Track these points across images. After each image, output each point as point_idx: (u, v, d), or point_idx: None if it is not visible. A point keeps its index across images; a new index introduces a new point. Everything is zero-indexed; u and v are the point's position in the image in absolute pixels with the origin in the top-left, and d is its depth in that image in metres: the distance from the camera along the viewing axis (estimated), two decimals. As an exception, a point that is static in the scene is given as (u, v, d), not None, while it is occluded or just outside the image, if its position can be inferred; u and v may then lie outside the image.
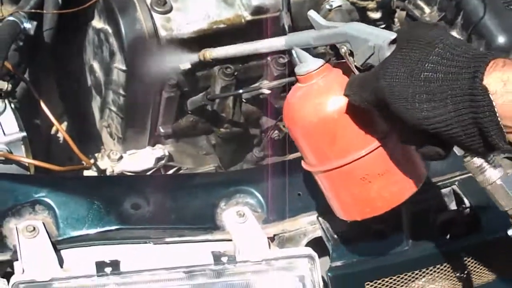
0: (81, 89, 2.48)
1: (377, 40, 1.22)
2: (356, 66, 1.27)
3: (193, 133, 2.36)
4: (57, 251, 1.44)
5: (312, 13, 1.39)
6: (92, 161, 2.11)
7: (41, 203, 1.49)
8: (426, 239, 1.66)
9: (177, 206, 1.57)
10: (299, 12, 2.24)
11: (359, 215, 1.42)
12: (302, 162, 1.46)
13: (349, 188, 1.38)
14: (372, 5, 2.35)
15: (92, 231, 1.49)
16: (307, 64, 1.37)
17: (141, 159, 2.16)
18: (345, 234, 1.59)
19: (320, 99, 1.33)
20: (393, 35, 1.20)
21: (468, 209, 1.73)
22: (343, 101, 1.31)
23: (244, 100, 2.32)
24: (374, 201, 1.37)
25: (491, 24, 2.20)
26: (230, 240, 1.52)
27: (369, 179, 1.34)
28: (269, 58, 2.28)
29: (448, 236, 1.71)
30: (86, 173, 2.11)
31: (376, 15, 2.38)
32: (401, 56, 1.16)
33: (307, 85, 1.37)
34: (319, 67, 1.36)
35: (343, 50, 1.28)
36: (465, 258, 1.71)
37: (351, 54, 1.28)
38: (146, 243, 1.50)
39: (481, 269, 1.74)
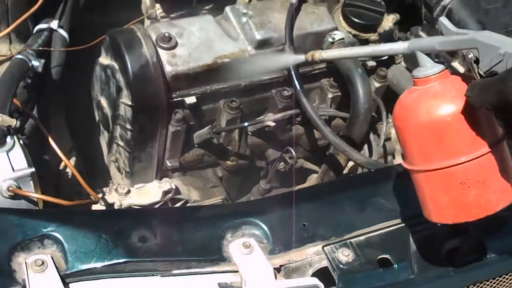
0: (90, 125, 2.51)
1: (508, 48, 1.26)
2: (479, 73, 1.31)
3: (200, 166, 2.39)
4: (65, 284, 1.44)
5: (442, 19, 1.43)
6: (100, 195, 2.13)
7: (50, 237, 1.50)
8: (433, 268, 1.66)
9: (184, 238, 1.58)
10: (302, 45, 2.28)
11: (452, 218, 1.44)
12: (402, 161, 1.50)
13: (447, 190, 1.40)
14: (374, 37, 2.38)
15: (100, 264, 1.49)
16: (427, 68, 1.41)
17: (148, 193, 2.18)
18: (351, 263, 1.59)
19: (435, 102, 1.37)
20: None
21: (473, 237, 1.73)
22: (457, 107, 1.35)
23: (249, 133, 2.35)
24: (469, 207, 1.40)
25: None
26: (237, 272, 1.53)
27: (468, 184, 1.37)
28: (273, 91, 2.31)
29: (455, 264, 1.71)
30: (95, 207, 2.12)
31: (378, 47, 2.40)
32: None
33: (423, 88, 1.40)
34: (438, 72, 1.40)
35: (470, 56, 1.32)
36: (471, 287, 1.71)
37: (476, 61, 1.31)
38: (154, 275, 1.50)
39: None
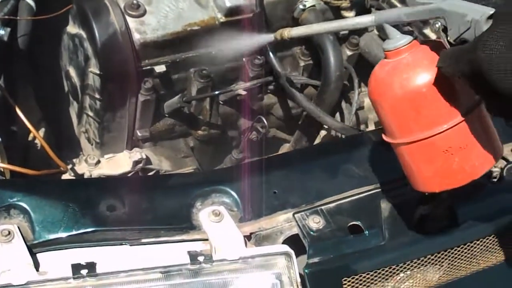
0: (59, 95, 2.47)
1: (474, 15, 1.25)
2: (448, 41, 1.31)
3: (171, 136, 2.37)
4: (33, 254, 1.43)
5: None
6: (70, 166, 2.11)
7: (16, 207, 1.48)
8: (403, 234, 1.67)
9: (153, 206, 1.56)
10: (272, 12, 2.25)
11: (438, 187, 1.45)
12: (383, 135, 1.50)
13: (431, 160, 1.41)
14: (345, 4, 2.36)
15: (68, 233, 1.48)
16: (396, 40, 1.41)
17: (118, 163, 2.16)
18: (322, 230, 1.59)
19: (408, 74, 1.37)
20: (491, 10, 1.24)
21: (444, 202, 1.73)
22: (430, 76, 1.35)
23: (221, 102, 2.33)
24: (454, 174, 1.41)
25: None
26: (207, 240, 1.52)
27: (451, 152, 1.38)
28: (244, 59, 2.29)
29: (426, 231, 1.71)
30: (65, 178, 2.10)
31: (350, 14, 2.39)
32: (500, 30, 1.19)
33: (395, 60, 1.41)
34: (408, 43, 1.40)
35: (437, 25, 1.32)
36: (442, 252, 1.71)
37: (444, 29, 1.31)
38: (122, 244, 1.49)
39: (459, 263, 1.75)
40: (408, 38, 1.40)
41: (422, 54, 1.39)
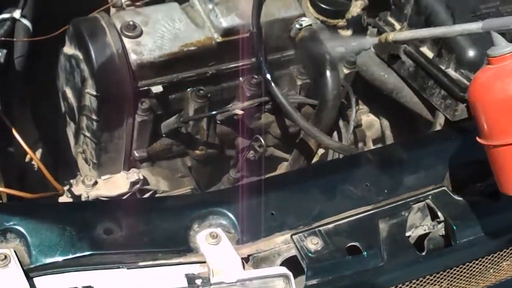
0: (56, 116, 2.47)
1: None
2: None
3: (168, 156, 2.36)
4: (29, 279, 1.42)
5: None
6: (67, 187, 2.10)
7: (12, 231, 1.48)
8: (402, 254, 1.66)
9: (150, 229, 1.56)
10: (269, 32, 2.25)
11: None
12: (478, 138, 1.53)
13: None
14: (342, 23, 2.37)
15: (65, 257, 1.47)
16: (501, 47, 1.46)
17: (116, 184, 2.15)
18: (320, 252, 1.58)
19: (510, 79, 1.44)
20: None
21: (442, 223, 1.72)
22: None
23: (218, 122, 2.33)
24: None
25: (460, 39, 2.21)
26: (204, 262, 1.51)
27: None
28: (241, 79, 2.29)
29: (424, 251, 1.71)
30: (62, 199, 2.09)
31: (347, 32, 2.40)
32: None
33: (498, 66, 1.47)
34: None
35: None
36: (441, 273, 1.70)
37: None
38: (120, 268, 1.48)
39: (458, 283, 1.74)
40: None
41: None
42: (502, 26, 1.50)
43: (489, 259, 1.76)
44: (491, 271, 1.79)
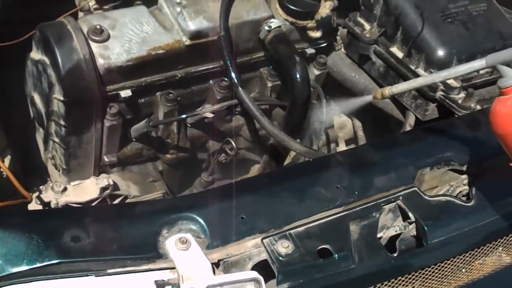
0: (24, 121, 2.44)
1: None
2: None
3: (139, 161, 2.35)
4: (-4, 288, 1.41)
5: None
6: (36, 194, 2.08)
7: (-22, 240, 1.46)
8: (373, 256, 1.65)
9: (119, 236, 1.54)
10: (238, 34, 2.24)
11: None
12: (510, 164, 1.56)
13: None
14: (311, 24, 2.36)
15: (31, 266, 1.45)
16: (511, 77, 1.50)
17: (85, 189, 2.14)
18: (291, 255, 1.57)
19: None
20: None
21: (414, 224, 1.72)
22: None
23: (188, 125, 2.32)
24: None
25: (429, 38, 2.22)
26: (174, 268, 1.50)
27: None
28: (211, 82, 2.28)
29: (396, 252, 1.70)
30: (31, 206, 2.07)
31: (317, 34, 2.39)
32: None
33: None
34: None
35: None
36: (413, 274, 1.70)
37: None
38: (88, 275, 1.46)
39: (430, 283, 1.74)
40: None
41: None
42: (505, 59, 1.53)
43: (461, 259, 1.76)
44: (463, 270, 1.79)
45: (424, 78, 1.79)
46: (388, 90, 1.92)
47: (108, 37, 2.09)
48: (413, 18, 2.27)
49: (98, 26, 2.08)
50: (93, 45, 2.07)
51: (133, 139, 2.29)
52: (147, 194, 2.27)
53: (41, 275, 1.45)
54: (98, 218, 1.59)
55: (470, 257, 1.78)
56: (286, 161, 2.44)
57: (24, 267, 1.45)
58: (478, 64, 1.62)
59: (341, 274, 1.59)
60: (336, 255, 1.60)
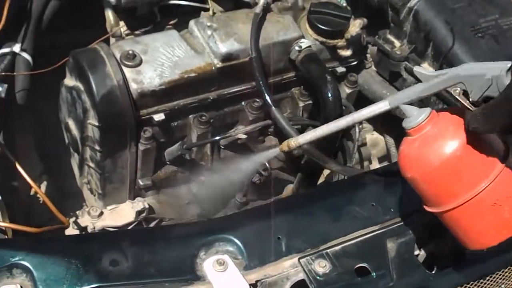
0: (59, 147, 2.47)
1: (493, 72, 1.32)
2: (472, 102, 1.36)
3: (173, 183, 2.35)
4: (37, 314, 1.42)
5: (417, 68, 1.49)
6: (73, 219, 2.10)
7: (18, 266, 1.47)
8: (412, 274, 1.64)
9: (156, 259, 1.55)
10: (269, 55, 2.25)
11: (494, 240, 1.45)
12: (425, 207, 1.51)
13: (482, 216, 1.43)
14: (341, 43, 2.36)
15: (71, 291, 1.46)
16: (415, 116, 1.45)
17: (121, 214, 2.16)
18: (328, 274, 1.57)
19: (438, 143, 1.41)
20: (508, 63, 1.32)
21: (451, 239, 1.71)
22: (460, 139, 1.40)
23: (222, 147, 2.32)
24: (507, 223, 1.42)
25: (461, 53, 2.22)
26: (212, 290, 1.51)
27: (499, 203, 1.41)
28: (243, 103, 2.29)
29: (434, 269, 1.69)
30: (68, 232, 2.09)
31: (347, 52, 2.39)
32: None
33: (420, 135, 1.45)
34: (427, 116, 1.44)
35: (457, 91, 1.38)
36: (452, 290, 1.69)
37: (465, 93, 1.37)
38: (127, 299, 1.48)
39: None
40: (427, 111, 1.45)
41: (445, 121, 1.43)
42: (410, 98, 1.48)
43: (500, 275, 1.74)
44: (503, 286, 1.77)
45: (328, 126, 1.73)
46: (294, 142, 1.88)
47: (141, 62, 2.11)
48: (444, 34, 2.27)
49: (130, 51, 2.10)
50: (126, 70, 2.09)
51: (167, 162, 2.30)
52: (182, 217, 2.28)
53: (80, 299, 1.46)
54: (135, 242, 1.60)
55: (510, 273, 1.76)
56: (320, 181, 2.45)
57: (64, 292, 1.46)
58: (381, 105, 1.57)
59: (380, 292, 1.59)
60: (374, 274, 1.60)
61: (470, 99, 1.37)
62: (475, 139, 1.38)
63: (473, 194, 1.40)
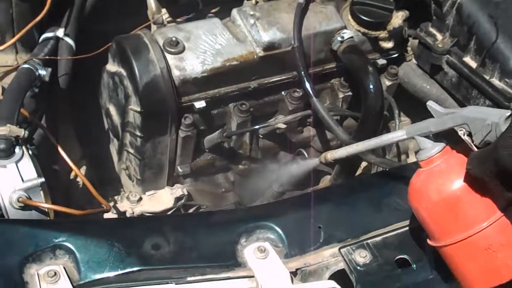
0: (99, 133, 2.49)
1: (493, 118, 1.35)
2: (475, 145, 1.38)
3: (212, 171, 2.37)
4: (79, 295, 1.43)
5: (431, 103, 1.50)
6: (111, 203, 2.11)
7: (62, 247, 1.48)
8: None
9: (197, 244, 1.55)
10: (310, 45, 2.25)
11: (485, 284, 1.45)
12: (428, 240, 1.52)
13: (474, 258, 1.43)
14: (383, 34, 2.35)
15: (114, 273, 1.47)
16: (428, 149, 1.48)
17: (160, 199, 2.16)
18: (369, 265, 1.57)
19: (442, 179, 1.44)
20: (508, 112, 1.34)
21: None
22: (463, 180, 1.41)
23: (261, 136, 2.33)
24: (499, 270, 1.42)
25: (504, 47, 2.19)
26: (252, 277, 1.51)
27: (493, 249, 1.40)
28: (283, 93, 2.29)
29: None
30: (106, 216, 2.10)
31: (389, 44, 2.38)
32: None
33: (429, 168, 1.47)
34: (439, 151, 1.47)
35: (462, 131, 1.40)
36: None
37: (469, 134, 1.39)
38: (168, 283, 1.48)
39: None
40: (440, 146, 1.48)
41: (454, 159, 1.45)
42: (424, 131, 1.50)
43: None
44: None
45: (359, 145, 1.77)
46: (330, 155, 1.94)
47: (183, 49, 2.12)
48: (487, 28, 2.24)
49: (173, 38, 2.11)
50: (169, 57, 2.10)
51: (206, 150, 2.31)
52: (220, 205, 2.29)
53: (122, 282, 1.47)
54: (177, 227, 1.61)
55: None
56: (357, 172, 2.44)
57: (106, 274, 1.47)
58: (399, 134, 1.61)
59: (420, 284, 1.58)
60: (415, 265, 1.59)
61: (474, 142, 1.39)
62: (478, 183, 1.38)
63: (467, 235, 1.40)
